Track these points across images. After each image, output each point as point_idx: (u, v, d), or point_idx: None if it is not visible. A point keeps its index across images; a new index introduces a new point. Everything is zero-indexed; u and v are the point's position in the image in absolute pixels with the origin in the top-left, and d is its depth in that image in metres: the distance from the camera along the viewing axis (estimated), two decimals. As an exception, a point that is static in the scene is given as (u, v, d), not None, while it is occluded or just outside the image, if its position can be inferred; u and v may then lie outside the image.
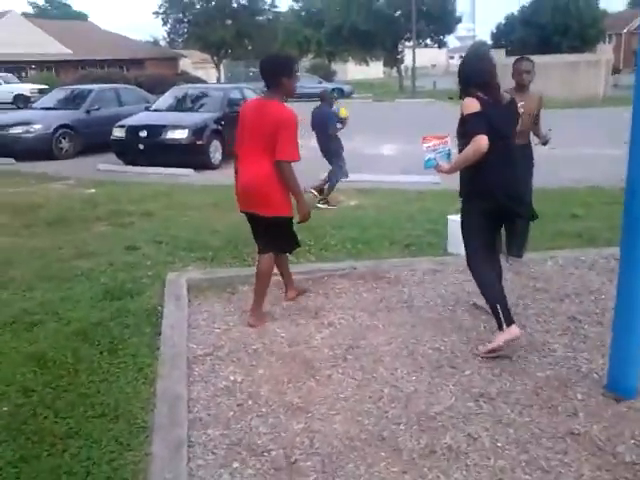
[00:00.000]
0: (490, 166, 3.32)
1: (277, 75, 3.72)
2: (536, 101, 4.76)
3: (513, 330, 3.37)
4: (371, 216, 6.80)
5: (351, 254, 5.37)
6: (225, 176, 9.83)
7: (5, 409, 2.94)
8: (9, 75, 31.41)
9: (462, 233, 3.63)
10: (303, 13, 53.02)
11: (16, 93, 27.13)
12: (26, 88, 27.70)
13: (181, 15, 49.31)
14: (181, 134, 10.48)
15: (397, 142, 13.96)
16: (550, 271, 4.82)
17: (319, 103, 7.66)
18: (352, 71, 56.42)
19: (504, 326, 3.37)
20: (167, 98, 12.63)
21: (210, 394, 3.14)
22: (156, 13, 49.11)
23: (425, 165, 3.60)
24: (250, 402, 3.07)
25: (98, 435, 2.74)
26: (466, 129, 3.38)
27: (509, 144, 3.47)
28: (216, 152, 10.91)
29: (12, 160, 11.58)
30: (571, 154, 11.26)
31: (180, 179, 9.76)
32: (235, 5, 49.70)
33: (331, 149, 7.50)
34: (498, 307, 3.39)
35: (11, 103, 25.54)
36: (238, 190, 3.95)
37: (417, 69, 39.45)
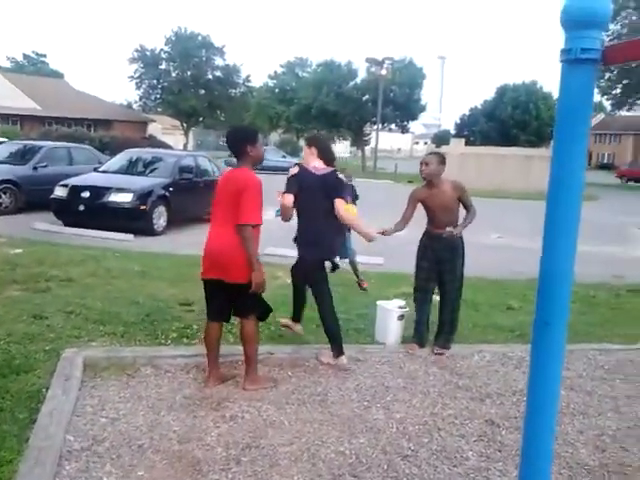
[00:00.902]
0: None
1: (241, 144, 3.90)
2: (448, 192, 4.69)
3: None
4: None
5: (273, 337, 5.06)
6: (166, 243, 9.58)
7: None
8: (-34, 126, 30.94)
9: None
10: (277, 90, 54.72)
11: (-27, 144, 26.61)
12: (-17, 140, 27.21)
13: (155, 81, 50.19)
14: (125, 197, 10.20)
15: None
16: (475, 367, 4.59)
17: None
18: (320, 148, 57.61)
19: None
20: (117, 160, 12.42)
21: (73, 499, 2.73)
22: (131, 77, 49.93)
23: (275, 214, 4.65)
24: (117, 511, 2.66)
25: None
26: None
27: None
28: (160, 218, 10.62)
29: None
30: (519, 245, 11.36)
31: (118, 244, 9.38)
32: (210, 77, 50.90)
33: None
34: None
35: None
36: (205, 256, 3.99)
37: (382, 151, 40.62)
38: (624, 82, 38.89)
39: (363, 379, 4.26)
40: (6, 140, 23.23)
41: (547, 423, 2.68)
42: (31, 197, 12.03)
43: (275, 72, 56.88)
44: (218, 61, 51.16)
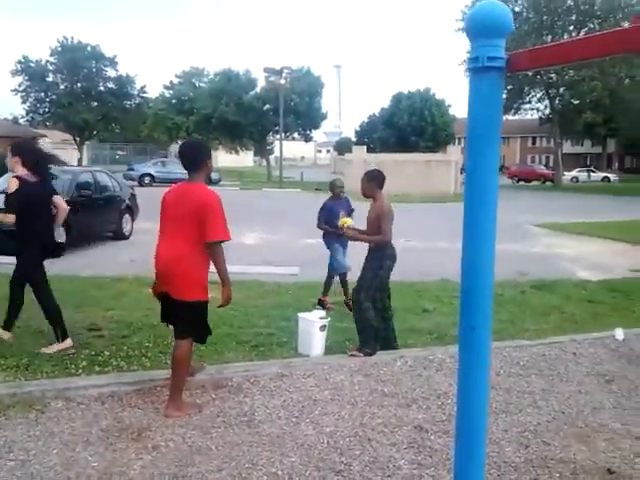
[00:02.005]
0: None
1: (201, 158, 3.86)
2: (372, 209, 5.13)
3: None
4: (219, 312, 6.36)
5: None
6: (66, 265, 8.99)
7: None
8: None
9: None
10: (174, 100, 53.52)
11: None
12: None
13: (42, 94, 47.53)
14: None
15: (260, 231, 13.87)
16: (399, 372, 4.64)
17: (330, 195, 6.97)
18: (222, 159, 57.12)
19: None
20: (3, 180, 11.56)
21: None
22: (15, 91, 46.96)
23: None
24: None
25: None
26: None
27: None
28: (59, 238, 9.98)
29: None
30: (425, 246, 11.74)
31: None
32: (102, 88, 48.90)
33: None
34: None
35: None
36: (155, 270, 3.91)
37: (286, 160, 40.73)
38: (508, 88, 41.49)
39: (289, 394, 4.17)
40: None
41: (478, 426, 2.73)
42: None
43: (171, 82, 55.59)
44: (110, 72, 49.24)
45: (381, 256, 4.99)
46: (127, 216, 12.50)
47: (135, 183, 27.93)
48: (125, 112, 49.76)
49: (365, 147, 35.70)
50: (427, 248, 11.69)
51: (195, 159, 3.86)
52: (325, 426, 3.67)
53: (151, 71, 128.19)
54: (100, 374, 4.45)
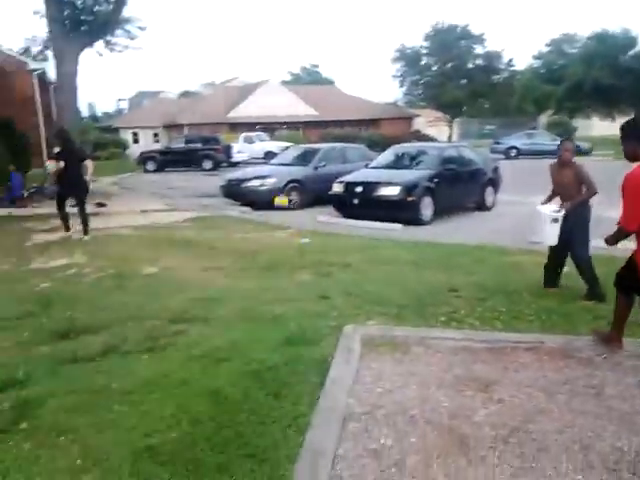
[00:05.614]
0: None
1: None
2: None
3: None
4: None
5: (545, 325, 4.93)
6: (432, 233, 9.87)
7: (174, 435, 3.27)
8: (262, 134, 35.80)
9: None
10: (542, 70, 51.43)
11: (267, 150, 30.91)
12: (274, 145, 31.34)
13: (417, 77, 51.30)
14: (393, 191, 10.79)
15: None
16: None
17: None
18: (597, 127, 52.51)
19: None
20: (385, 156, 13.15)
21: (357, 454, 3.12)
22: (394, 76, 51.92)
23: None
24: (394, 470, 2.97)
25: (242, 475, 2.89)
26: None
27: None
28: (427, 209, 10.98)
29: (249, 209, 13.10)
30: None
31: (389, 233, 9.98)
32: (471, 66, 50.14)
33: None
34: None
35: (263, 158, 28.94)
36: None
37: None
38: None
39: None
40: (292, 145, 26.38)
41: None
42: (313, 193, 13.47)
43: (540, 52, 53.43)
44: (478, 49, 50.09)
45: None
46: (490, 188, 12.86)
47: (501, 156, 28.18)
48: (493, 87, 50.08)
49: None
50: None
51: None
52: (687, 413, 3.36)
53: (519, 44, 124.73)
54: (456, 329, 4.89)
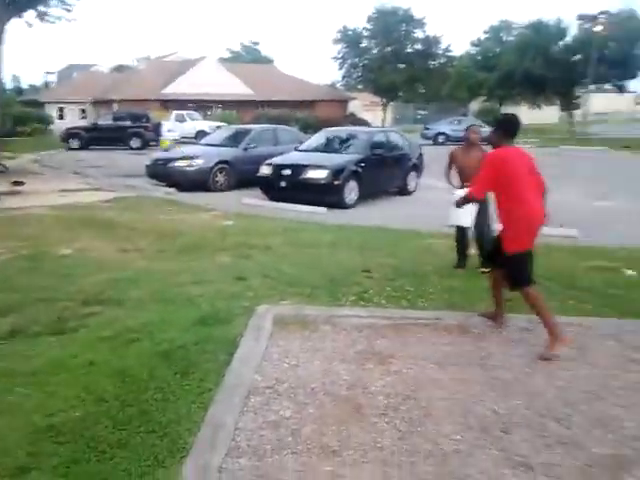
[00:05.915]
0: None
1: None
2: None
3: None
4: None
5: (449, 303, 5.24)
6: (354, 217, 10.12)
7: (77, 414, 3.32)
8: (194, 113, 35.07)
9: None
10: (479, 57, 52.72)
11: (198, 129, 30.37)
12: (206, 125, 30.84)
13: (357, 60, 51.55)
14: (320, 174, 10.95)
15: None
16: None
17: None
18: (524, 115, 54.41)
19: None
20: (315, 139, 13.30)
21: (256, 426, 3.28)
22: (334, 58, 51.94)
23: None
24: (290, 439, 3.15)
25: (142, 449, 2.99)
26: None
27: None
28: (351, 192, 11.22)
29: (174, 190, 12.97)
30: None
31: (313, 217, 10.15)
32: (410, 50, 50.79)
33: None
34: None
35: (194, 138, 28.44)
36: (533, 224, 4.32)
37: (595, 115, 36.98)
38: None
39: (531, 347, 4.27)
40: (224, 125, 26.08)
41: None
42: (241, 175, 13.46)
43: (479, 39, 54.66)
44: (418, 34, 50.79)
45: None
46: (413, 173, 13.25)
47: (430, 142, 28.85)
48: (429, 72, 51.01)
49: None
50: None
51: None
52: (558, 379, 3.72)
53: (458, 30, 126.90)
54: (363, 307, 5.13)
